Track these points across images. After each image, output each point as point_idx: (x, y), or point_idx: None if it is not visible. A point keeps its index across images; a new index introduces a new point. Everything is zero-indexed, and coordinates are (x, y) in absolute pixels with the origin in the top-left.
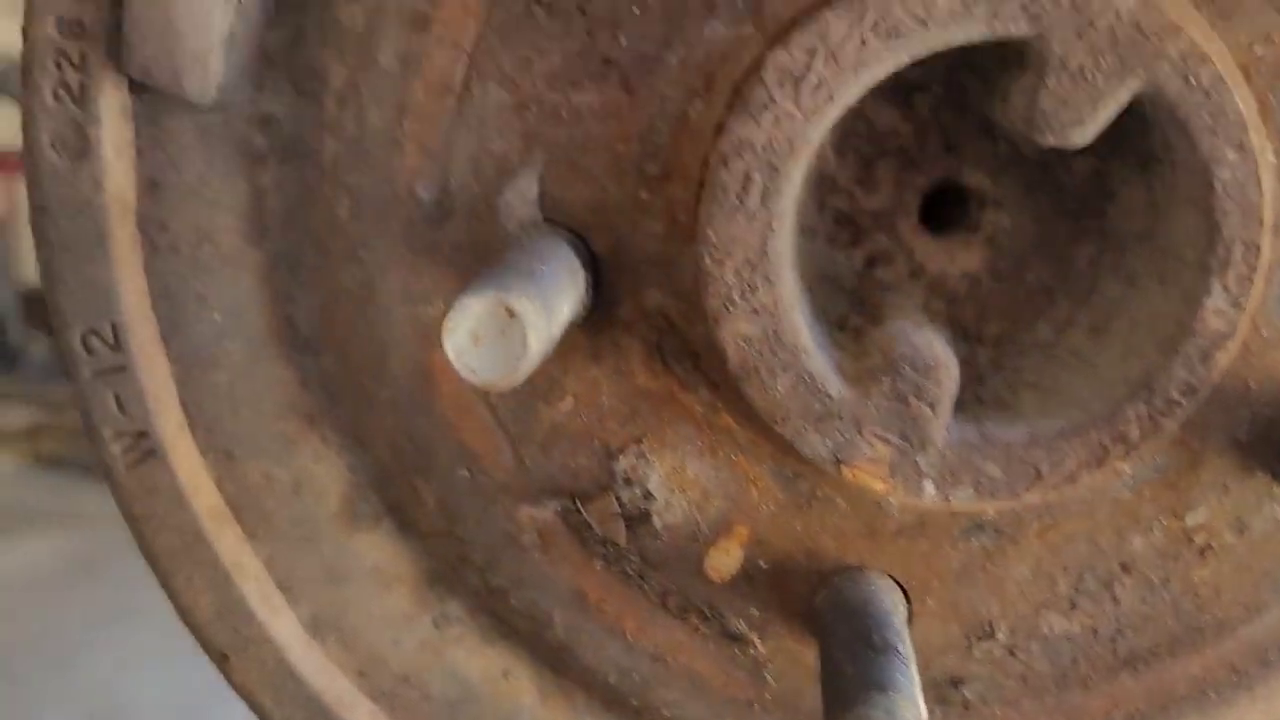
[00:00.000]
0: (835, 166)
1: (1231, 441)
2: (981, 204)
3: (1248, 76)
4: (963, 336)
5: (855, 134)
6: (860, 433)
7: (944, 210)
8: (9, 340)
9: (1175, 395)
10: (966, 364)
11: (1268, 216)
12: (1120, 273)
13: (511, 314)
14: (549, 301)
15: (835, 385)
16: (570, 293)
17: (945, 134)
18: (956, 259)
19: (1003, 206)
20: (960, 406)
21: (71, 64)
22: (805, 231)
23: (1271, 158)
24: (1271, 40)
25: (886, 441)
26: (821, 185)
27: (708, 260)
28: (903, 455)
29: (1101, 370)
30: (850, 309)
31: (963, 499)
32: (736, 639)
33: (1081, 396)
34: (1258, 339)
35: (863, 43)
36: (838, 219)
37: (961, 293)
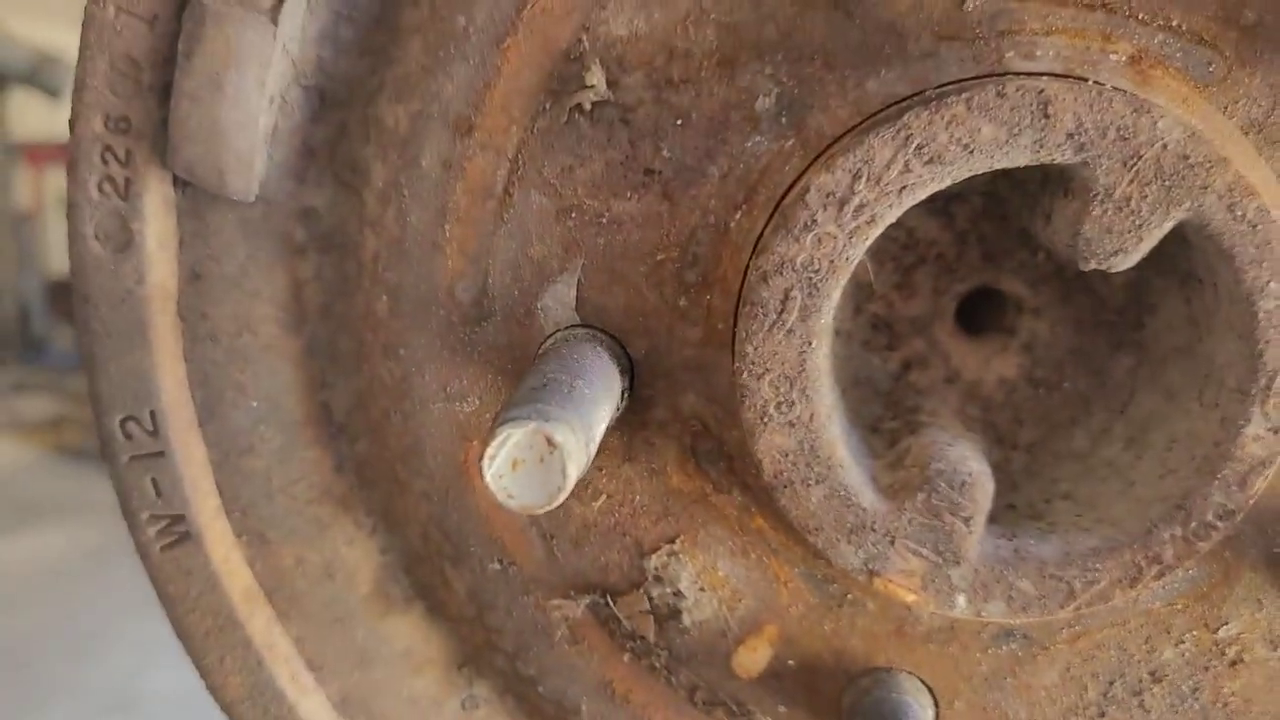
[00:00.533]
0: (873, 273)
1: (1267, 557)
2: (1019, 310)
3: None
4: (997, 442)
5: (894, 242)
6: (893, 545)
7: (981, 314)
8: (33, 331)
9: (1211, 519)
10: (1001, 470)
11: None
12: (1158, 386)
13: (552, 445)
14: (588, 426)
15: (869, 498)
16: (607, 406)
17: (984, 243)
18: (992, 365)
19: (1040, 314)
20: (994, 515)
21: (117, 159)
22: (842, 335)
23: None
24: None
25: (919, 555)
26: (859, 291)
27: (745, 374)
28: (935, 569)
29: (1138, 487)
30: (885, 412)
31: (995, 613)
32: None
33: (1116, 513)
34: None
35: (906, 168)
36: (875, 324)
37: (997, 399)
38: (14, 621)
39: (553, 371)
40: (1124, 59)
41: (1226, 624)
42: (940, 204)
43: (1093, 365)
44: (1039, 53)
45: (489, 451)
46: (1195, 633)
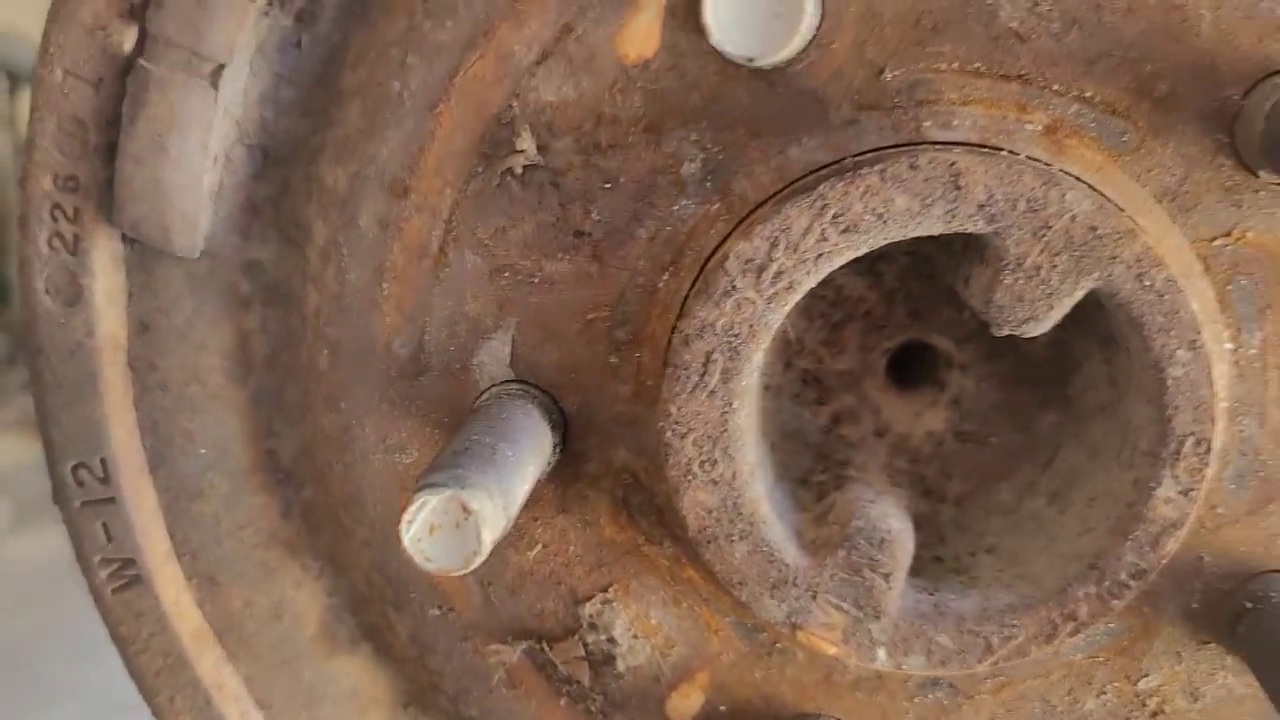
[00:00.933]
0: (803, 330)
1: (1185, 612)
2: (948, 365)
3: (1207, 268)
4: (925, 495)
5: (822, 299)
6: (815, 600)
7: (911, 369)
8: None
9: (1125, 578)
10: (929, 523)
11: (1220, 409)
12: (1082, 443)
13: (468, 511)
14: (507, 490)
15: (792, 554)
16: (533, 466)
17: (911, 300)
18: (922, 419)
19: (967, 369)
20: (919, 568)
21: (66, 216)
22: (772, 390)
23: (1229, 344)
24: (1231, 234)
25: (840, 609)
26: (789, 347)
27: (669, 433)
28: (856, 623)
29: (1059, 543)
30: (815, 465)
31: (914, 667)
32: None
33: (1037, 569)
34: (1212, 516)
35: (823, 236)
36: (805, 379)
37: (926, 452)
38: (14, 621)
39: (477, 434)
40: (1039, 129)
41: (1147, 676)
42: (867, 263)
43: (1019, 420)
44: (955, 122)
45: (406, 517)
46: (1117, 684)
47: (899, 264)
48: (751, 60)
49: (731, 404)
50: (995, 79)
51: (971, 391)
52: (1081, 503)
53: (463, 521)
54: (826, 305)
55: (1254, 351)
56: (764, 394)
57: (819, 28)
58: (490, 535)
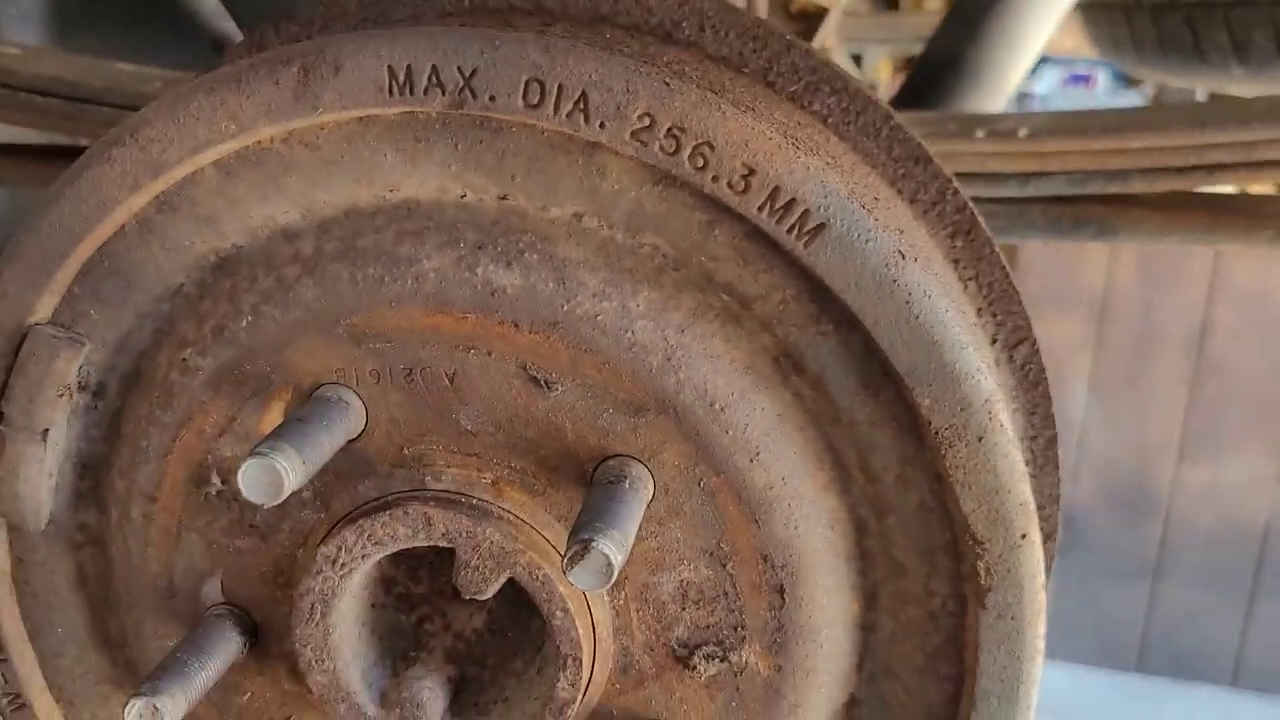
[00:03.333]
0: (394, 571)
1: None
2: None
3: None
4: (475, 664)
5: (405, 554)
6: None
7: None
8: None
9: None
10: (475, 681)
11: (599, 635)
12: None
13: (158, 711)
14: (189, 691)
15: (372, 710)
16: (215, 670)
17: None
18: (472, 618)
19: None
20: (464, 708)
21: None
22: (378, 607)
23: (603, 599)
24: None
25: None
26: (385, 581)
27: (298, 646)
28: None
29: (533, 699)
30: (409, 647)
31: None
32: None
33: (526, 712)
34: (614, 690)
35: (365, 544)
36: (399, 597)
37: (473, 637)
38: None
39: (180, 652)
40: (489, 481)
41: None
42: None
43: (521, 623)
44: (444, 477)
45: (125, 713)
46: None
47: None
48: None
49: (330, 630)
50: (464, 454)
51: (494, 606)
52: (541, 680)
53: (154, 715)
54: (407, 557)
55: (620, 604)
56: (372, 609)
57: (364, 427)
58: None
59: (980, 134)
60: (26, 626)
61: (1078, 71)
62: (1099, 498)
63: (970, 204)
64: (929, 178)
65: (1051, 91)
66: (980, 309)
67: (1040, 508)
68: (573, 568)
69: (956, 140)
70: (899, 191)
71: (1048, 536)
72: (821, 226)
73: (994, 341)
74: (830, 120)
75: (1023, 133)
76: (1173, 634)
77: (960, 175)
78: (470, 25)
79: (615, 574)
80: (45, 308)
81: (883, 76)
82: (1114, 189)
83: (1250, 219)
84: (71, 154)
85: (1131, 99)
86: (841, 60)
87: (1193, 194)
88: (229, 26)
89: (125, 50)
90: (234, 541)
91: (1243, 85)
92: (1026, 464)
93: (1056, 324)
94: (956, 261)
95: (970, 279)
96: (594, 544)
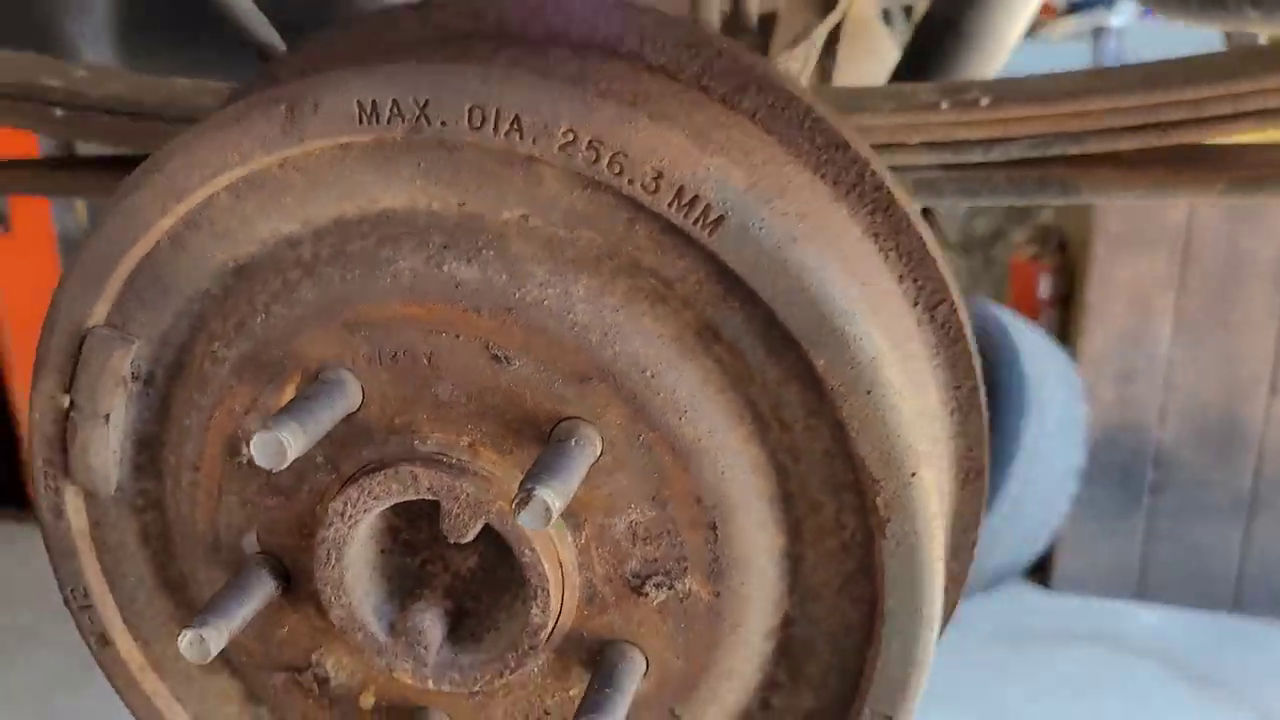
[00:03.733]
0: (399, 522)
1: (581, 655)
2: None
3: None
4: (471, 598)
5: (406, 507)
6: (395, 659)
7: None
8: None
9: (527, 647)
10: (473, 613)
11: (568, 586)
12: None
13: (202, 640)
14: (231, 626)
15: (383, 637)
16: (254, 606)
17: None
18: (466, 560)
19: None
20: (463, 636)
21: (50, 477)
22: (386, 551)
23: (569, 538)
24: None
25: (407, 663)
26: (392, 530)
27: (319, 586)
28: (418, 668)
29: (513, 628)
30: (414, 585)
31: (446, 688)
32: None
33: (509, 636)
34: (583, 614)
35: (365, 499)
36: (404, 544)
37: (469, 576)
38: (15, 620)
39: (223, 593)
40: (466, 444)
41: (570, 689)
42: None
43: (507, 561)
44: (429, 441)
45: (179, 642)
46: (556, 693)
47: None
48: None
49: (345, 571)
50: (444, 422)
51: (484, 549)
52: (523, 609)
53: (201, 643)
54: (410, 511)
55: (581, 543)
56: (381, 554)
57: (361, 402)
58: (216, 648)
59: (945, 105)
60: (105, 577)
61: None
62: (1188, 436)
63: (886, 183)
64: (849, 162)
65: (1129, 24)
66: (901, 275)
67: (969, 449)
68: (519, 511)
69: (923, 112)
70: (822, 176)
71: (977, 474)
72: (721, 218)
73: (915, 304)
74: (758, 116)
75: (984, 101)
76: (1270, 572)
77: (928, 144)
78: (431, 57)
79: (553, 515)
80: (100, 312)
81: None
82: (1074, 150)
83: (1200, 172)
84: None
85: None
86: (894, 15)
87: (1148, 150)
88: (273, 36)
89: (182, 63)
90: (264, 501)
91: (1259, 26)
92: (952, 411)
93: (1139, 263)
94: (877, 235)
95: (891, 250)
96: (535, 492)
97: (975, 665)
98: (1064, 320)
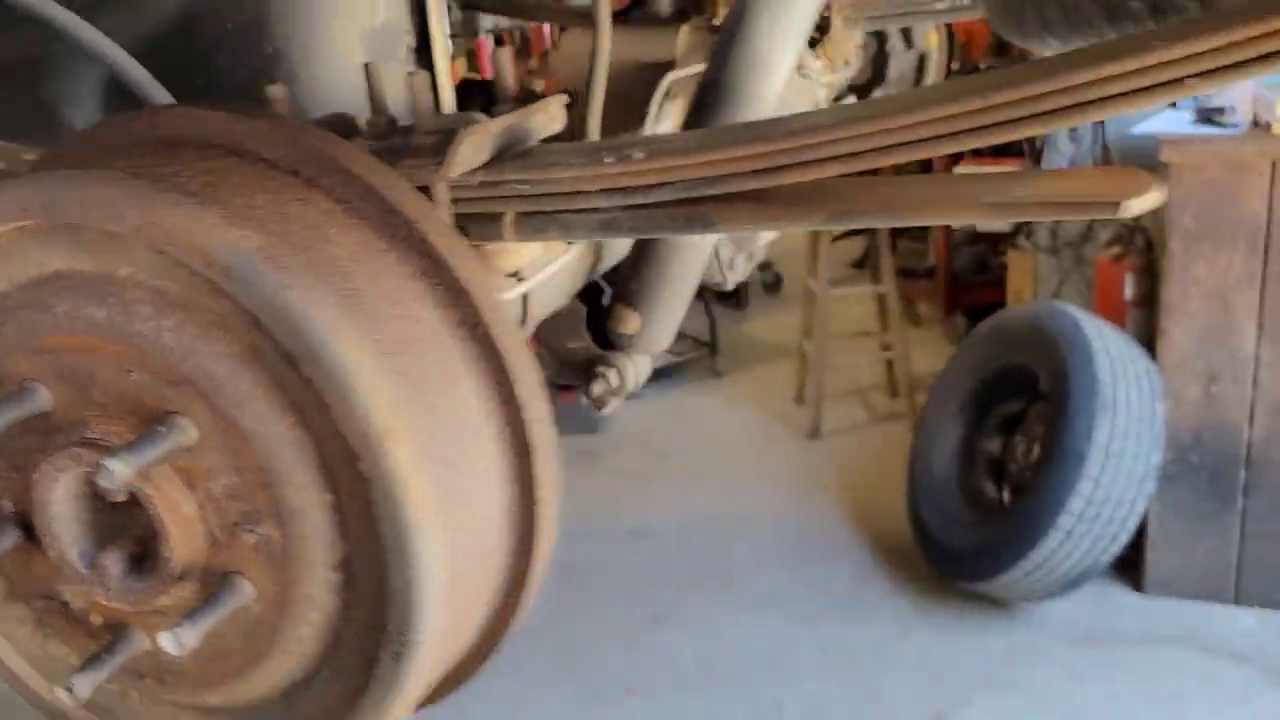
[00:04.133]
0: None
1: None
2: None
3: None
4: (149, 542)
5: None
6: (91, 587)
7: None
8: None
9: (165, 574)
10: (149, 554)
11: (177, 527)
12: None
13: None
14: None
15: (84, 571)
16: (3, 549)
17: None
18: (145, 515)
19: None
20: (144, 572)
21: None
22: (98, 509)
23: (190, 495)
24: None
25: (98, 589)
26: (99, 493)
27: (39, 535)
28: (104, 591)
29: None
30: (115, 533)
31: (126, 606)
32: None
33: (159, 572)
34: (209, 549)
35: (52, 470)
36: (111, 504)
37: (145, 525)
38: None
39: None
40: (114, 431)
41: None
42: None
43: None
44: (94, 430)
45: None
46: None
47: None
48: None
49: (50, 523)
50: (102, 416)
51: None
52: None
53: None
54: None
55: (200, 499)
56: (90, 511)
57: (53, 405)
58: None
59: (609, 159)
60: None
61: None
62: (1278, 435)
63: (425, 233)
64: (401, 222)
65: None
66: (444, 305)
67: (519, 424)
68: (98, 474)
69: (597, 165)
70: (377, 233)
71: (528, 452)
72: (228, 270)
73: (460, 324)
74: (328, 189)
75: (639, 155)
76: None
77: (605, 190)
78: (101, 163)
79: (115, 479)
80: None
81: (932, 43)
82: (714, 191)
83: (809, 204)
84: None
85: None
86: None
87: (768, 189)
88: (166, 98)
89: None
90: (10, 475)
91: (1053, 49)
92: (489, 401)
93: (1216, 260)
94: (419, 273)
95: (436, 285)
96: (103, 462)
97: (1056, 664)
98: (1149, 321)
